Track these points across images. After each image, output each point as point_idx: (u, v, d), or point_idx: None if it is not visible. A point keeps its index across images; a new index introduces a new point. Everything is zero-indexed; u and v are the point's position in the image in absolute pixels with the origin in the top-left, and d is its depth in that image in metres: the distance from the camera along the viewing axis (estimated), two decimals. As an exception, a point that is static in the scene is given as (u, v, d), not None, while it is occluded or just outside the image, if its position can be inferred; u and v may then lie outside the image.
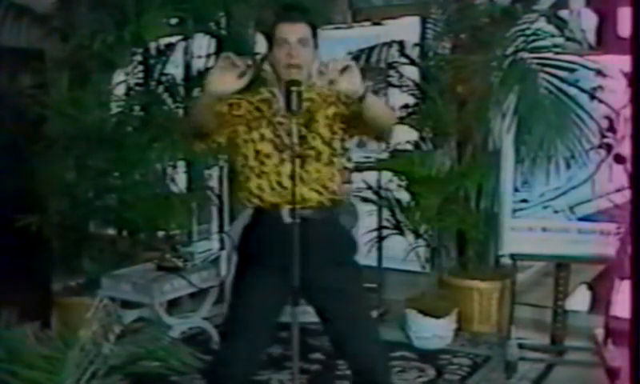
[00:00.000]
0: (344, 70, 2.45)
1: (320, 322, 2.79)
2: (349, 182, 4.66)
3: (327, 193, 2.71)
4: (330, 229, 2.76)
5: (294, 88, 2.52)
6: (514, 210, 4.26)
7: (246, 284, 2.76)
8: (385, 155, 5.07)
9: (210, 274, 4.49)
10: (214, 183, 5.36)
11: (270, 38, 2.70)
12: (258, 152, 2.70)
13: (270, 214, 2.69)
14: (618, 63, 3.89)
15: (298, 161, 2.62)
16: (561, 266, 4.38)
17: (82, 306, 4.03)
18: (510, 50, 4.27)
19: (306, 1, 4.53)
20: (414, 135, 4.96)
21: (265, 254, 2.70)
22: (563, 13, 4.64)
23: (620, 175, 4.02)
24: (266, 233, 2.71)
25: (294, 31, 2.64)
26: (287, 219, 2.60)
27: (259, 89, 2.80)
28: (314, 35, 2.70)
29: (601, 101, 4.04)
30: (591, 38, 4.66)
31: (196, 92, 5.01)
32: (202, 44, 5.11)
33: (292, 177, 2.55)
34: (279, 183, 2.67)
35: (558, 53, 4.13)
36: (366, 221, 5.00)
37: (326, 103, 2.74)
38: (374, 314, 5.10)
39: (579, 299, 4.89)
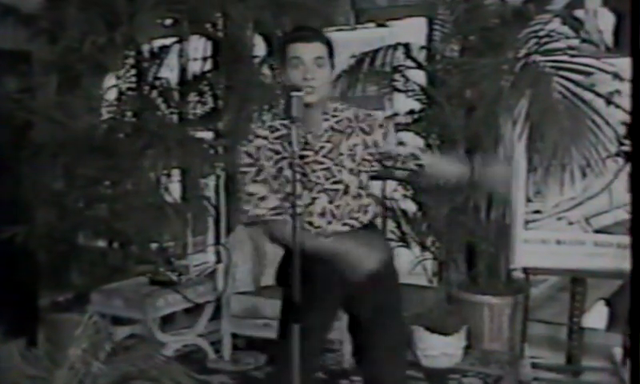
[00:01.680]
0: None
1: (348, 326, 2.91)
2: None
3: (359, 224, 2.75)
4: (366, 239, 2.73)
5: (294, 93, 2.50)
6: (527, 222, 4.25)
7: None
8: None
9: (206, 289, 4.49)
10: (210, 193, 5.35)
11: (282, 54, 2.66)
12: (288, 195, 2.63)
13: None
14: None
15: (326, 197, 2.68)
16: (576, 280, 4.35)
17: (71, 322, 4.02)
18: (522, 52, 4.28)
19: (308, 1, 4.59)
20: (420, 142, 4.95)
21: (308, 282, 2.62)
22: (579, 13, 4.63)
23: (639, 184, 4.01)
24: (308, 268, 2.61)
25: (309, 50, 2.61)
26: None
27: (271, 121, 2.78)
28: (331, 55, 2.67)
29: (618, 106, 4.04)
30: (608, 39, 4.66)
31: (191, 97, 5.02)
32: (198, 46, 5.12)
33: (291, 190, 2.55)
34: (310, 223, 2.70)
35: (572, 55, 4.14)
36: (371, 232, 4.97)
37: (346, 133, 2.73)
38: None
39: (596, 316, 4.87)
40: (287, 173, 2.66)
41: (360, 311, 2.81)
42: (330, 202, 2.70)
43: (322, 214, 2.69)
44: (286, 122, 2.66)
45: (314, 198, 2.70)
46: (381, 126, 2.76)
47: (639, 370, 1.69)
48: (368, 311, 2.78)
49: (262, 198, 2.71)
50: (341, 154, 2.69)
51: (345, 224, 2.72)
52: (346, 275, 2.58)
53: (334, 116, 2.73)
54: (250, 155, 2.72)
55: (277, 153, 2.71)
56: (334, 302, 2.80)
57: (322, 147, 2.70)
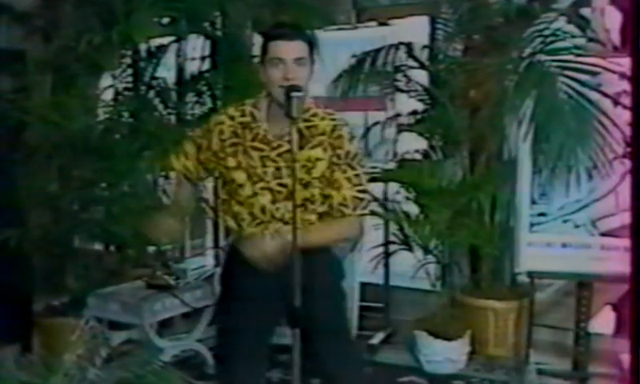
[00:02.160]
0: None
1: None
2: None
3: (305, 230, 2.61)
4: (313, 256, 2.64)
5: (294, 93, 2.49)
6: (532, 224, 4.24)
7: (233, 309, 2.81)
8: (392, 165, 5.05)
9: (205, 293, 4.46)
10: (208, 195, 5.33)
11: (263, 52, 2.66)
12: (232, 181, 2.71)
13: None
14: (645, 65, 3.87)
15: (269, 195, 2.66)
16: (583, 284, 4.34)
17: (66, 327, 4.02)
18: (527, 51, 4.26)
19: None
20: (422, 144, 4.95)
21: (250, 278, 2.66)
22: (585, 11, 4.61)
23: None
24: (246, 274, 2.65)
25: (290, 50, 2.58)
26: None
27: (247, 106, 2.77)
28: (311, 52, 2.66)
29: (625, 106, 4.02)
30: (616, 38, 4.64)
31: (189, 97, 5.01)
32: (196, 45, 5.11)
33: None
34: (251, 214, 2.70)
35: (578, 55, 4.12)
36: (372, 235, 4.96)
37: (313, 141, 2.67)
38: (380, 335, 5.09)
39: (603, 321, 4.84)
40: (234, 161, 2.68)
41: (307, 326, 2.57)
42: (272, 203, 2.67)
43: (262, 212, 2.67)
44: (256, 111, 2.71)
45: (256, 193, 2.68)
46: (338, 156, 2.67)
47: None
48: (313, 325, 2.63)
49: (186, 156, 2.87)
50: (295, 161, 2.51)
51: (286, 224, 2.62)
52: (284, 288, 2.49)
53: (306, 120, 2.68)
54: (207, 129, 2.80)
55: (237, 136, 2.71)
56: (271, 313, 2.74)
57: (279, 146, 2.66)
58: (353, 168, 2.68)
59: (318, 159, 2.67)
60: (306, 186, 2.66)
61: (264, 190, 2.67)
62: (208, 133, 2.78)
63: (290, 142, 2.53)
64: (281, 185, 2.66)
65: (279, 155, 2.66)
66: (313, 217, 2.70)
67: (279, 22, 2.87)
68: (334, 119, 2.72)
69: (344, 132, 2.70)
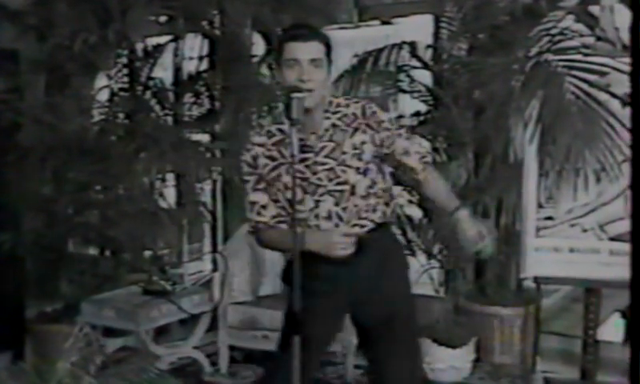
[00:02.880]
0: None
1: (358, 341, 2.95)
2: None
3: (371, 223, 2.74)
4: (380, 245, 2.78)
5: (294, 95, 2.51)
6: (538, 229, 4.24)
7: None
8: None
9: (202, 299, 4.47)
10: (206, 198, 5.34)
11: (279, 53, 2.67)
12: (289, 201, 2.66)
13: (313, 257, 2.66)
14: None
15: (331, 199, 2.68)
16: (591, 290, 4.33)
17: (60, 334, 4.02)
18: (534, 51, 4.27)
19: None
20: (426, 145, 4.94)
21: (313, 287, 2.66)
22: (594, 9, 4.61)
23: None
24: (313, 272, 2.65)
25: (305, 50, 2.61)
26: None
27: (269, 126, 2.81)
28: (328, 54, 2.68)
29: (635, 107, 4.02)
30: (625, 36, 4.63)
31: (186, 98, 5.01)
32: (194, 45, 5.11)
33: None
34: (317, 226, 2.71)
35: (587, 54, 4.13)
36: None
37: (351, 129, 2.73)
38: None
39: (612, 328, 4.84)
40: (286, 179, 2.67)
41: (369, 322, 2.80)
42: (336, 205, 2.70)
43: (328, 218, 2.69)
44: (283, 126, 2.69)
45: (318, 201, 2.69)
46: (386, 128, 2.76)
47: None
48: (377, 322, 2.77)
49: (264, 207, 2.76)
50: (344, 153, 2.68)
51: (354, 225, 2.71)
52: (353, 280, 2.63)
53: (335, 112, 2.73)
54: (249, 165, 2.76)
55: (273, 159, 2.72)
56: (339, 310, 2.81)
57: (323, 147, 2.69)
58: (403, 130, 2.87)
59: (363, 143, 2.72)
60: (365, 173, 2.71)
61: (324, 195, 2.70)
62: (255, 169, 2.76)
63: (328, 140, 2.68)
64: (340, 183, 2.69)
65: (327, 156, 2.69)
66: (375, 200, 2.76)
67: (295, 24, 2.87)
68: (357, 101, 2.80)
69: (374, 107, 2.78)
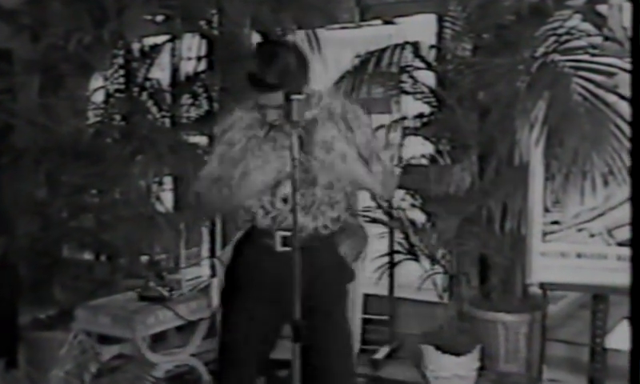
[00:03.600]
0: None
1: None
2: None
3: (324, 219, 2.79)
4: (325, 257, 2.83)
5: (294, 96, 2.51)
6: (545, 233, 4.23)
7: (234, 315, 2.87)
8: (397, 171, 5.04)
9: (200, 305, 4.45)
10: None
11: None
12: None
13: (261, 240, 2.77)
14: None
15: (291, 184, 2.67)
16: (598, 297, 4.32)
17: (54, 341, 4.00)
18: (540, 51, 4.26)
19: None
20: (429, 148, 4.94)
21: (254, 282, 2.80)
22: (601, 8, 4.60)
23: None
24: (257, 259, 2.81)
25: (272, 98, 2.65)
26: (279, 248, 2.74)
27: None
28: (302, 66, 2.73)
29: (643, 109, 4.01)
30: (634, 37, 4.63)
31: (184, 99, 5.01)
32: (192, 45, 5.11)
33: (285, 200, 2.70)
34: (272, 204, 2.76)
35: (594, 54, 4.12)
36: (376, 245, 4.95)
37: (327, 122, 2.77)
38: (385, 349, 5.08)
39: (620, 336, 4.83)
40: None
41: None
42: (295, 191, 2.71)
43: (285, 200, 2.73)
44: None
45: (279, 183, 2.73)
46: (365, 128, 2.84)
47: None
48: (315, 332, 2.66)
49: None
50: (313, 144, 2.73)
51: (308, 214, 2.75)
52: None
53: (316, 104, 2.79)
54: (224, 131, 2.86)
55: (250, 128, 2.79)
56: (277, 317, 2.79)
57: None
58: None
59: (333, 137, 2.76)
60: (329, 167, 2.75)
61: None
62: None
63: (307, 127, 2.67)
64: (302, 172, 2.71)
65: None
66: (338, 197, 2.81)
67: (252, 74, 2.80)
68: (340, 100, 2.91)
69: (355, 107, 2.88)
